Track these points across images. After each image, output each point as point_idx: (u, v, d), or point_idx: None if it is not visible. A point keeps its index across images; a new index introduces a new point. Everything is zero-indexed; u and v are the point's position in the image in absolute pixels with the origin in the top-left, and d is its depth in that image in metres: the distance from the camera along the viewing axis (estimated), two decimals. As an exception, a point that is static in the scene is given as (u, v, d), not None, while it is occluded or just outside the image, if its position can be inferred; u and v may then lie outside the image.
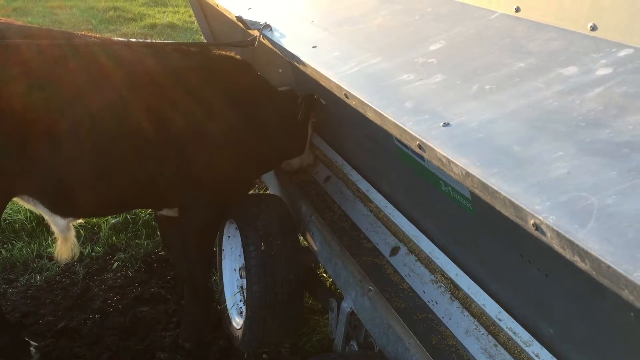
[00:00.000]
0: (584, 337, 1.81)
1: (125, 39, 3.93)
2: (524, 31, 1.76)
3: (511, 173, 1.23)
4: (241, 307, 3.56)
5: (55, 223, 3.19)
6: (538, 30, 1.72)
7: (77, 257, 3.62)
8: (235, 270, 3.65)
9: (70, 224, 3.27)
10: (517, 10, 1.87)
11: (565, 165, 1.19)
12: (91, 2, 12.75)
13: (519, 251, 1.91)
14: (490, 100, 1.50)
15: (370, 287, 2.62)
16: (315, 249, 3.20)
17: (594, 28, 1.58)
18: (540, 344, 2.02)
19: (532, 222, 1.13)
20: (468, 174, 1.30)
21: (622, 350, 1.60)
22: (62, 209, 3.09)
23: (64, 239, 3.29)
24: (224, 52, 3.41)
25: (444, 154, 1.38)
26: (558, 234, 1.06)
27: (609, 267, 0.95)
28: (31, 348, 3.48)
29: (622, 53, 1.45)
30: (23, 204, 3.14)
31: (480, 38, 1.85)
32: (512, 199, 1.17)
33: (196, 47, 3.47)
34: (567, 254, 1.05)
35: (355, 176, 3.38)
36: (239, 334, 3.39)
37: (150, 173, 3.06)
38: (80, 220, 3.53)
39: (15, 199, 3.03)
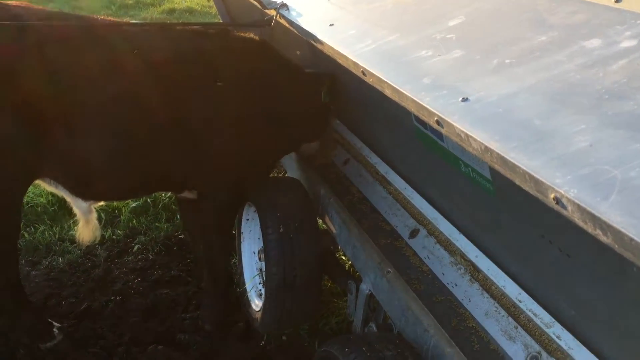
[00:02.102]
0: (606, 319, 1.77)
1: (143, 22, 3.93)
2: (545, 4, 1.72)
3: (531, 147, 1.20)
4: (260, 290, 3.57)
5: (77, 206, 3.23)
6: (560, 3, 1.68)
7: (98, 239, 3.66)
8: (254, 252, 3.66)
9: (92, 207, 3.30)
10: (539, -17, 1.82)
11: (587, 139, 1.15)
12: (110, -13, 12.80)
13: (540, 231, 1.88)
14: (510, 74, 1.46)
15: (389, 269, 2.61)
16: (334, 231, 3.19)
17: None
18: (562, 325, 1.99)
19: (552, 196, 1.10)
20: (487, 149, 1.27)
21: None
22: (84, 192, 3.12)
23: (86, 222, 3.34)
24: (242, 34, 3.38)
25: (463, 129, 1.35)
26: (579, 208, 1.03)
27: (631, 239, 0.92)
28: (54, 329, 3.54)
29: (648, 24, 1.41)
30: (45, 187, 3.18)
31: (500, 12, 1.81)
32: (532, 173, 1.14)
33: (213, 28, 3.45)
34: (589, 228, 1.03)
35: (374, 159, 3.35)
36: (258, 316, 3.40)
37: (169, 156, 3.07)
38: (101, 203, 3.57)
39: (37, 181, 3.07)
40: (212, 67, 3.09)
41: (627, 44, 1.38)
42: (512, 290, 2.23)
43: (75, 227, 4.46)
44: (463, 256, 2.52)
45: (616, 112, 1.19)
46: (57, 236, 4.53)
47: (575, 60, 1.39)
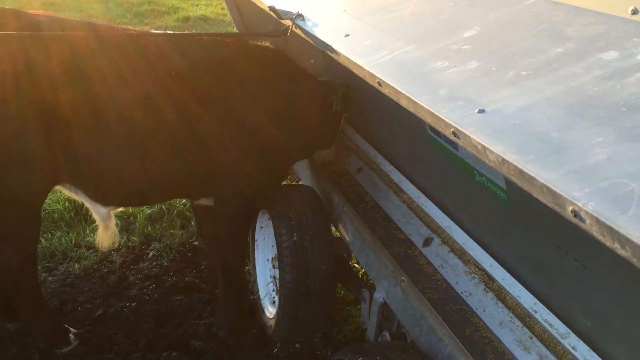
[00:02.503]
0: (622, 330, 1.77)
1: (161, 31, 3.99)
2: (562, 16, 1.72)
3: (549, 159, 1.21)
4: (274, 297, 3.58)
5: (97, 211, 3.27)
6: (577, 15, 1.68)
7: (117, 245, 3.69)
8: (268, 260, 3.68)
9: (111, 213, 3.34)
10: (555, -6, 1.83)
11: (605, 151, 1.16)
12: (125, -4, 12.95)
13: (555, 242, 1.88)
14: (526, 86, 1.47)
15: (403, 278, 2.61)
16: (348, 239, 3.20)
17: (635, 12, 1.53)
18: (577, 336, 1.98)
19: (570, 209, 1.10)
20: (504, 161, 1.27)
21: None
22: (103, 198, 3.16)
23: (105, 227, 3.38)
24: (258, 42, 3.42)
25: (479, 141, 1.36)
26: (598, 221, 1.03)
27: (650, 254, 0.93)
28: (70, 335, 3.58)
29: (665, 36, 1.41)
30: (65, 192, 3.22)
31: (516, 24, 1.82)
32: (550, 186, 1.14)
33: (229, 37, 3.49)
34: (607, 241, 1.03)
35: (387, 167, 3.36)
36: (272, 323, 3.42)
37: (186, 163, 3.11)
38: (121, 209, 3.61)
39: (57, 187, 3.11)
40: (230, 75, 3.12)
41: (644, 56, 1.38)
42: (527, 300, 2.22)
43: (91, 234, 4.52)
44: (477, 265, 2.52)
45: (634, 125, 1.19)
46: (73, 242, 4.57)
47: (592, 73, 1.40)
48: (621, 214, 1.01)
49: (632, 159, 1.11)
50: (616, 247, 1.01)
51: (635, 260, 0.97)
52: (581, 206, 1.07)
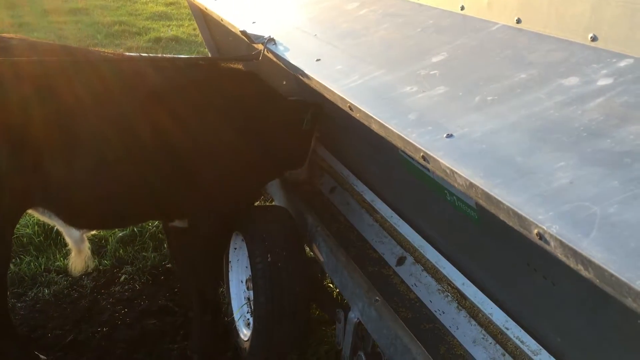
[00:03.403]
0: (592, 346, 1.81)
1: (135, 54, 3.98)
2: (525, 42, 1.78)
3: (514, 183, 1.25)
4: (248, 319, 3.57)
5: (70, 235, 3.23)
6: (539, 42, 1.74)
7: (91, 268, 3.64)
8: (242, 282, 3.67)
9: (84, 236, 3.30)
10: (518, 21, 1.89)
11: (568, 175, 1.20)
12: (96, 16, 12.89)
13: (525, 259, 1.92)
14: (492, 111, 1.52)
15: (377, 298, 2.63)
16: (322, 260, 3.21)
17: (594, 39, 1.60)
18: (549, 352, 2.02)
19: (536, 231, 1.14)
20: (472, 185, 1.31)
21: (631, 358, 1.60)
22: (77, 221, 3.12)
23: (78, 251, 3.33)
24: (229, 64, 3.44)
25: (448, 165, 1.39)
26: (562, 243, 1.07)
27: (612, 275, 0.96)
28: (40, 362, 3.50)
29: (623, 63, 1.47)
30: (38, 216, 3.17)
31: (481, 49, 1.87)
32: (516, 209, 1.18)
33: (202, 61, 3.51)
34: (571, 263, 1.07)
35: (360, 187, 3.39)
36: (247, 345, 3.40)
37: (160, 185, 3.09)
38: (94, 232, 3.56)
39: (30, 211, 3.07)
40: (202, 96, 3.14)
41: (603, 82, 1.44)
42: (499, 317, 2.26)
43: (61, 258, 4.45)
44: (450, 283, 2.55)
45: (594, 150, 1.24)
46: (42, 267, 4.49)
47: (554, 98, 1.45)
48: (584, 237, 1.05)
49: (593, 183, 1.15)
50: (580, 268, 1.05)
51: (597, 281, 1.01)
52: (545, 229, 1.11)
